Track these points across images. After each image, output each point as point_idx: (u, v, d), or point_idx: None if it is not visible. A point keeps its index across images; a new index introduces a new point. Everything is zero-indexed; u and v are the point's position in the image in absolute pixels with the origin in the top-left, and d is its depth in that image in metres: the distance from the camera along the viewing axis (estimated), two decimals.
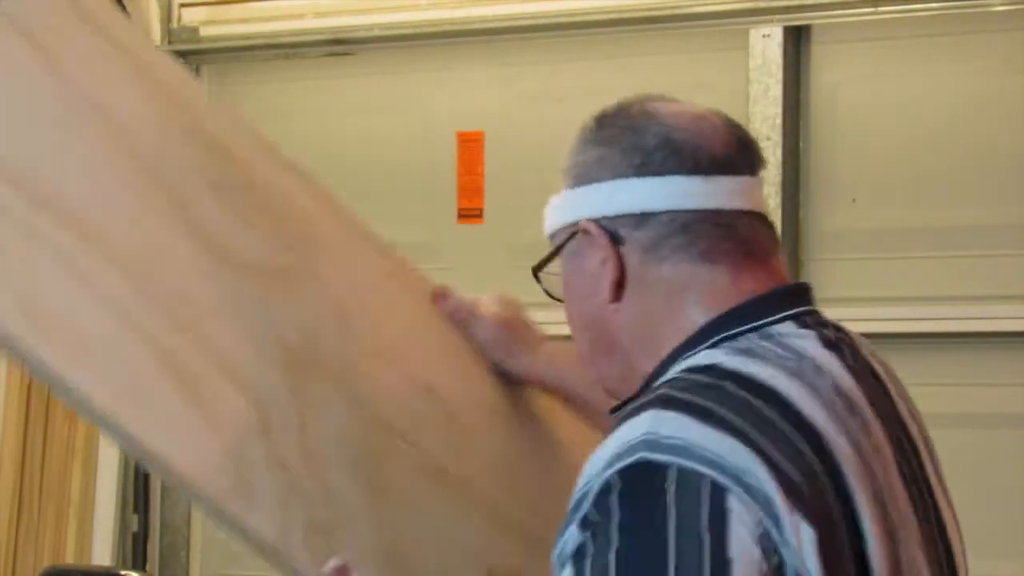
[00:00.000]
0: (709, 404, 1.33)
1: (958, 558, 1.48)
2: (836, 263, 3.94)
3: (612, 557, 1.27)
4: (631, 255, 1.48)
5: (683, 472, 1.28)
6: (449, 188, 4.30)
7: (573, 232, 1.51)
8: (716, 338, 1.43)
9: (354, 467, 1.63)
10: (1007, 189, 3.78)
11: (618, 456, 1.31)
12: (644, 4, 4.01)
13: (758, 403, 1.35)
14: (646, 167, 1.48)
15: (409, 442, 1.71)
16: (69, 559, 4.45)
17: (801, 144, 3.93)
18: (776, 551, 1.28)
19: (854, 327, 1.53)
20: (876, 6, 3.81)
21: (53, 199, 1.52)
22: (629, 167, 1.48)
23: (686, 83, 3.65)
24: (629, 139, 1.49)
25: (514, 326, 1.83)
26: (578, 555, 1.30)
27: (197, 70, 4.52)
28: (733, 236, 1.48)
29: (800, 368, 1.41)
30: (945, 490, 1.51)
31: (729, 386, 1.36)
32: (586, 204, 1.51)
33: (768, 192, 3.07)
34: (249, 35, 4.48)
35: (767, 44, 3.90)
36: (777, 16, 3.90)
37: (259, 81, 4.55)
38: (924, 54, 3.85)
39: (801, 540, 1.29)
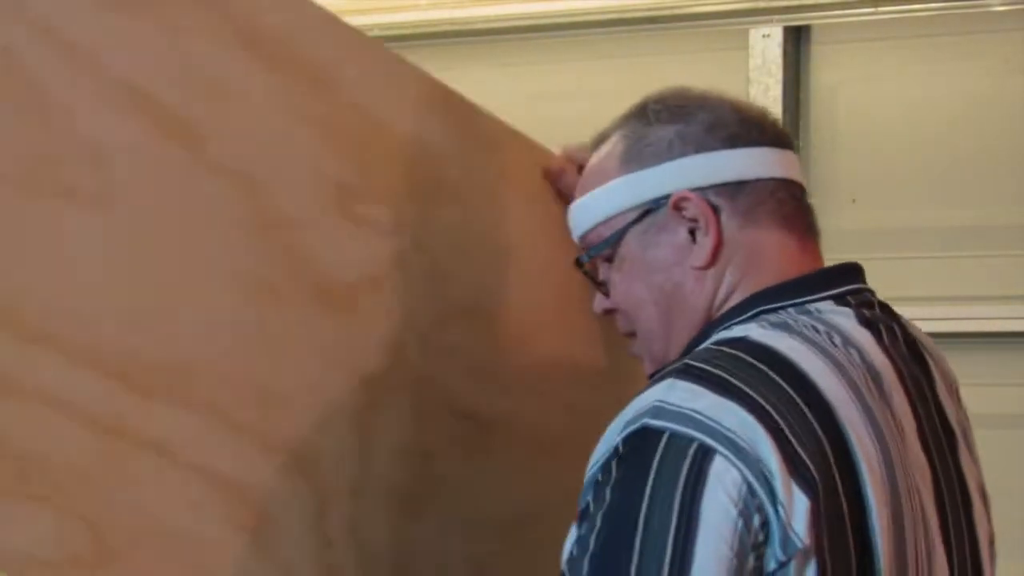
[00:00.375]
0: (723, 374, 1.36)
1: (983, 550, 1.51)
2: (836, 263, 3.93)
3: (599, 516, 1.32)
4: (730, 221, 1.52)
5: (674, 436, 1.32)
6: None
7: (646, 210, 1.54)
8: (757, 310, 1.48)
9: (392, 495, 1.61)
10: (1007, 189, 3.77)
11: (628, 422, 1.35)
12: (644, 4, 4.01)
13: (774, 375, 1.37)
14: (735, 139, 1.54)
15: (458, 414, 1.69)
16: None
17: (801, 144, 3.93)
18: (761, 510, 1.30)
19: None
20: (876, 6, 3.81)
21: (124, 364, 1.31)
22: (717, 140, 1.54)
23: (686, 83, 3.62)
24: (708, 115, 1.55)
25: None
26: (583, 515, 1.35)
27: None
28: (801, 206, 1.56)
29: (829, 343, 1.43)
30: (980, 482, 1.54)
31: (749, 358, 1.39)
32: (671, 179, 1.53)
33: None
34: None
35: (767, 44, 3.90)
36: (777, 16, 3.89)
37: None
38: (924, 54, 3.84)
39: (793, 504, 1.31)
